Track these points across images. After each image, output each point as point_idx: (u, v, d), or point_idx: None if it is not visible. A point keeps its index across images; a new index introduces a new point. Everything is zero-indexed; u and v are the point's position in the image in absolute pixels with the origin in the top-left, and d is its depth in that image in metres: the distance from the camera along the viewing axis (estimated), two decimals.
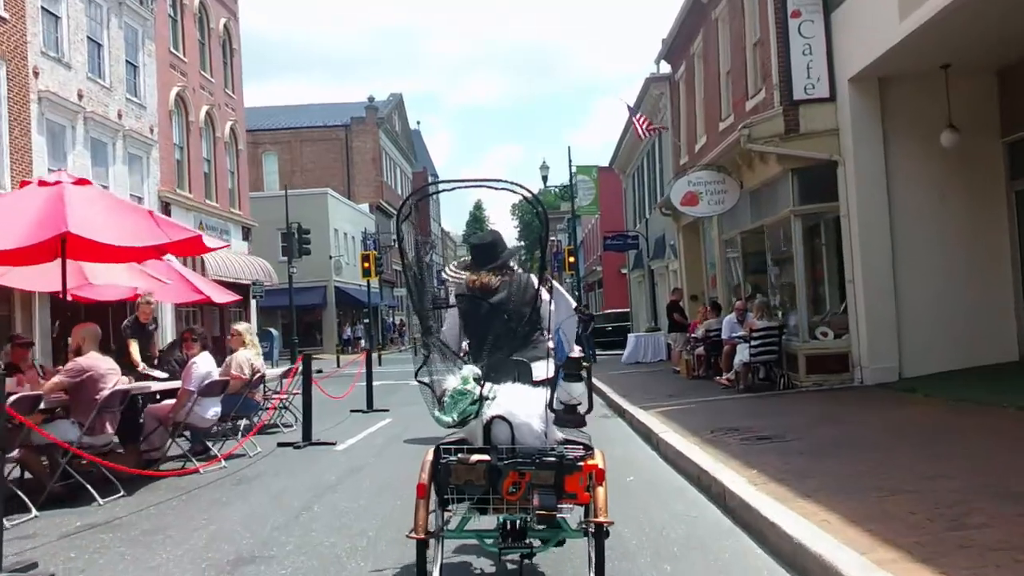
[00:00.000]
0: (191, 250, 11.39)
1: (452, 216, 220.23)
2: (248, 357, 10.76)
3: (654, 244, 26.61)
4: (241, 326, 11.26)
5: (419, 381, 4.38)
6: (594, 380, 18.65)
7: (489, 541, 4.54)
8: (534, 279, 4.77)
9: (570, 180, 30.96)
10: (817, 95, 13.67)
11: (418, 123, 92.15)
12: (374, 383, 22.86)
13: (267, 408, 13.05)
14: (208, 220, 29.60)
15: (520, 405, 4.18)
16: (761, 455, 7.89)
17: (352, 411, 16.07)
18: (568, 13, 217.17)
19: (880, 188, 13.25)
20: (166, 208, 26.63)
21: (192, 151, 28.70)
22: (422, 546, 4.06)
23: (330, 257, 45.82)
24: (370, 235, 51.15)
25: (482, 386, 4.12)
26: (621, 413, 13.63)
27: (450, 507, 4.38)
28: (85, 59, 22.59)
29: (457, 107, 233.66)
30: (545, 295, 4.72)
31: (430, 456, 4.20)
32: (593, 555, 4.13)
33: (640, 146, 29.50)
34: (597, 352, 27.68)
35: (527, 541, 4.38)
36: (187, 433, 9.64)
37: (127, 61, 24.87)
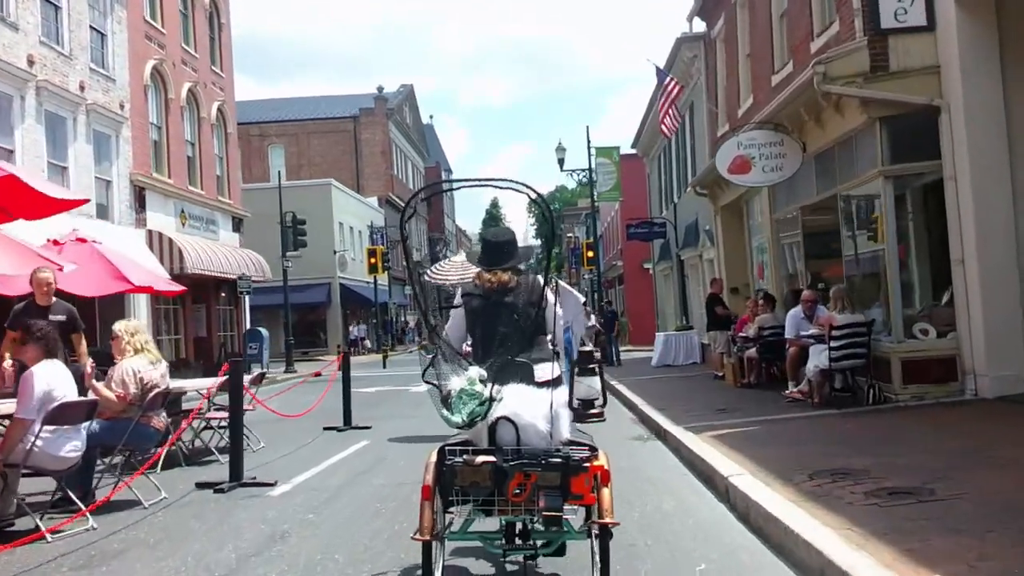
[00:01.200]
0: (32, 208, 8.26)
1: (467, 214, 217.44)
2: (136, 368, 7.63)
3: (684, 231, 23.40)
4: (121, 325, 8.09)
5: (426, 381, 4.30)
6: (621, 387, 15.43)
7: (493, 543, 4.43)
8: (539, 279, 4.70)
9: (589, 163, 27.82)
10: (911, 23, 10.44)
11: (431, 117, 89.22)
12: (371, 389, 19.91)
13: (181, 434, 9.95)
14: (192, 208, 26.62)
15: (525, 406, 4.12)
16: (921, 532, 4.71)
17: (326, 429, 13.00)
18: (582, 10, 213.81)
19: (998, 140, 10.01)
20: (141, 194, 23.69)
21: (172, 132, 25.72)
22: (427, 548, 3.97)
23: (334, 252, 42.86)
24: (377, 229, 48.12)
25: (490, 387, 4.06)
26: (660, 434, 10.47)
27: (451, 509, 4.25)
28: (38, 21, 19.61)
29: (471, 105, 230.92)
30: (551, 297, 4.60)
31: (434, 458, 4.12)
32: (598, 556, 4.05)
33: None
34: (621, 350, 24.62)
35: (531, 542, 4.29)
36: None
37: (92, 27, 21.88)
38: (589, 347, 4.98)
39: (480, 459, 4.01)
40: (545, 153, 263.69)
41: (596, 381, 4.83)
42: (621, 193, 27.90)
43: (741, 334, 14.71)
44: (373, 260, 41.99)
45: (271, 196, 34.37)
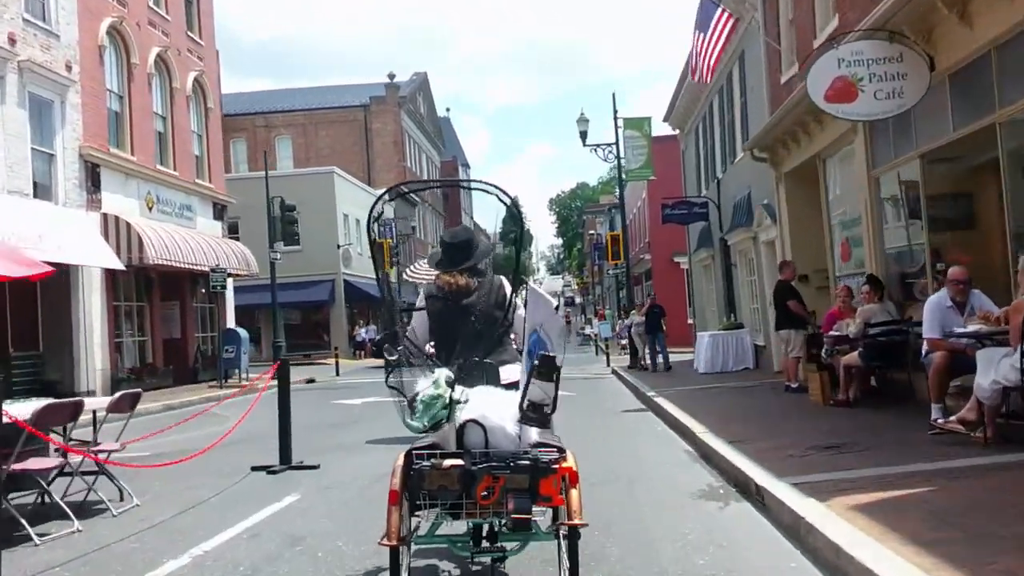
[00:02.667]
0: None
1: (487, 211, 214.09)
2: None
3: (732, 211, 19.44)
4: None
5: (390, 387, 4.26)
6: (666, 403, 12.48)
7: (460, 546, 4.41)
8: (505, 282, 4.68)
9: (616, 136, 23.91)
10: None
11: (447, 111, 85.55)
12: (358, 401, 16.09)
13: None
14: (160, 191, 22.98)
15: (493, 408, 4.03)
16: None
17: (255, 469, 9.26)
18: (599, 9, 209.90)
19: None
20: (94, 171, 20.08)
21: (137, 103, 22.11)
22: (395, 553, 3.90)
23: (338, 246, 39.16)
24: (386, 221, 44.36)
25: (452, 390, 3.95)
26: (746, 488, 6.59)
27: (418, 512, 4.08)
28: None
29: (491, 106, 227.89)
30: (518, 300, 4.59)
31: (401, 461, 3.99)
32: (567, 557, 3.94)
33: (707, 88, 22.32)
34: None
35: (498, 545, 4.25)
36: None
37: None
38: (552, 352, 3.96)
39: (448, 462, 3.90)
40: (564, 152, 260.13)
41: (549, 386, 3.98)
42: (653, 171, 24.01)
43: (833, 332, 10.77)
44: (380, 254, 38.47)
45: (271, 187, 30.63)
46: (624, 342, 28.89)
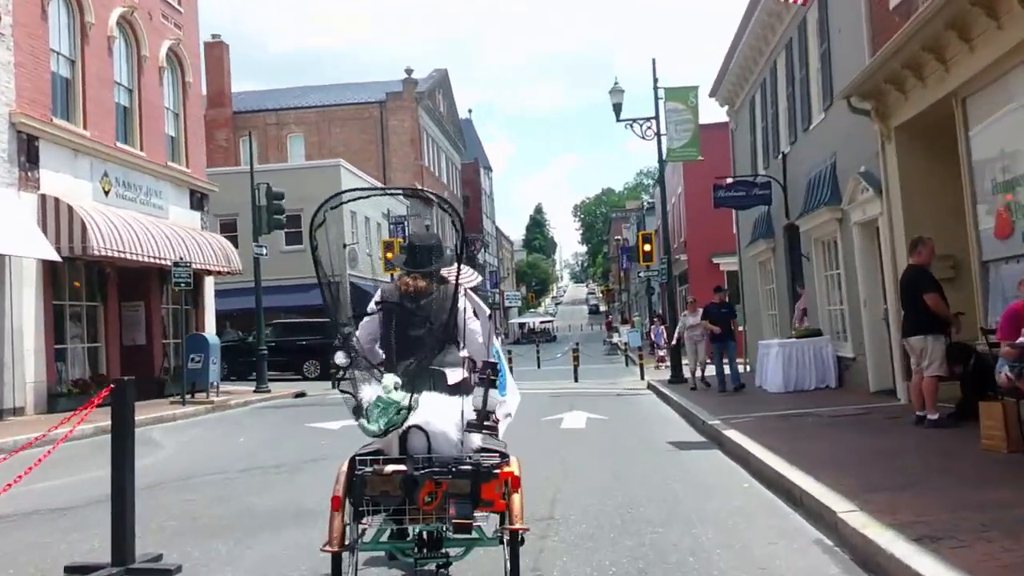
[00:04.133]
0: None
1: (509, 215, 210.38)
2: None
3: (806, 189, 15.42)
4: None
5: (341, 391, 4.19)
6: (738, 437, 9.54)
7: (405, 552, 4.31)
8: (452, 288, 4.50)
9: (655, 110, 20.01)
10: None
11: (469, 111, 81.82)
12: (336, 425, 12.86)
13: None
14: (121, 173, 19.37)
15: (437, 414, 4.00)
16: None
17: (71, 571, 5.43)
18: (625, 21, 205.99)
19: None
20: (31, 144, 16.50)
21: (92, 69, 18.51)
22: (337, 559, 3.83)
23: (344, 245, 35.46)
24: (397, 218, 40.71)
25: (410, 395, 3.92)
26: None
27: (365, 519, 4.04)
28: None
29: (516, 115, 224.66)
30: (465, 304, 4.49)
31: (345, 467, 4.00)
32: (509, 562, 3.98)
33: (765, 50, 18.41)
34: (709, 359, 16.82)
35: (443, 551, 4.17)
36: None
37: None
38: (493, 360, 4.18)
39: (390, 468, 3.90)
40: (590, 162, 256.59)
41: (493, 394, 4.03)
42: (700, 151, 20.10)
43: (1020, 341, 6.85)
44: (390, 255, 34.67)
45: (273, 182, 26.88)
46: (663, 353, 24.88)
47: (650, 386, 20.49)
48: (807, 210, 15.10)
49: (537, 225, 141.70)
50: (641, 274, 39.60)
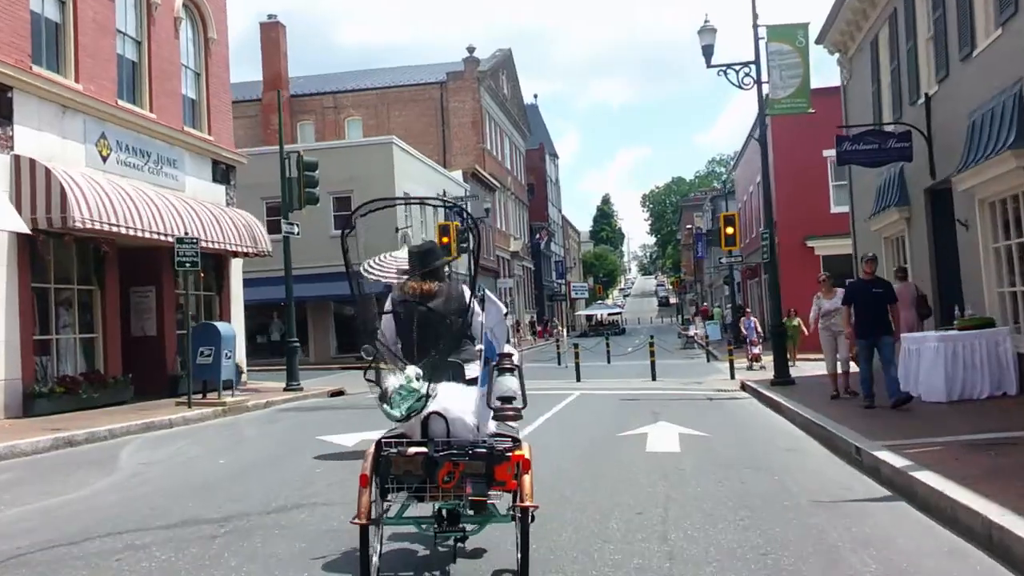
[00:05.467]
0: None
1: (575, 208, 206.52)
2: None
3: (969, 136, 11.44)
4: None
5: (367, 380, 4.63)
6: (972, 502, 3.24)
7: (425, 527, 4.62)
8: (466, 289, 4.92)
9: (755, 53, 16.23)
10: None
11: (535, 97, 78.23)
12: (351, 440, 10.40)
13: None
14: (122, 135, 16.42)
15: (455, 402, 4.31)
16: None
17: None
18: (696, 9, 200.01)
19: None
20: (1, 95, 13.62)
21: (86, 13, 15.55)
22: (364, 531, 4.07)
23: (396, 229, 32.32)
24: (454, 199, 37.40)
25: (427, 384, 4.24)
26: None
27: (389, 497, 4.38)
28: None
29: (584, 109, 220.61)
30: (476, 304, 4.86)
31: (372, 449, 4.27)
32: (519, 537, 4.26)
33: None
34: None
35: (460, 526, 4.49)
36: None
37: None
38: (508, 349, 4.45)
39: (413, 450, 4.19)
40: (658, 155, 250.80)
41: (514, 381, 4.31)
42: (810, 102, 16.25)
43: None
44: (446, 239, 31.42)
45: (325, 161, 23.83)
46: (756, 351, 21.03)
47: (745, 387, 16.81)
48: (971, 161, 11.16)
49: (604, 216, 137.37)
50: (722, 260, 35.62)
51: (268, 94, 45.71)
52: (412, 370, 4.32)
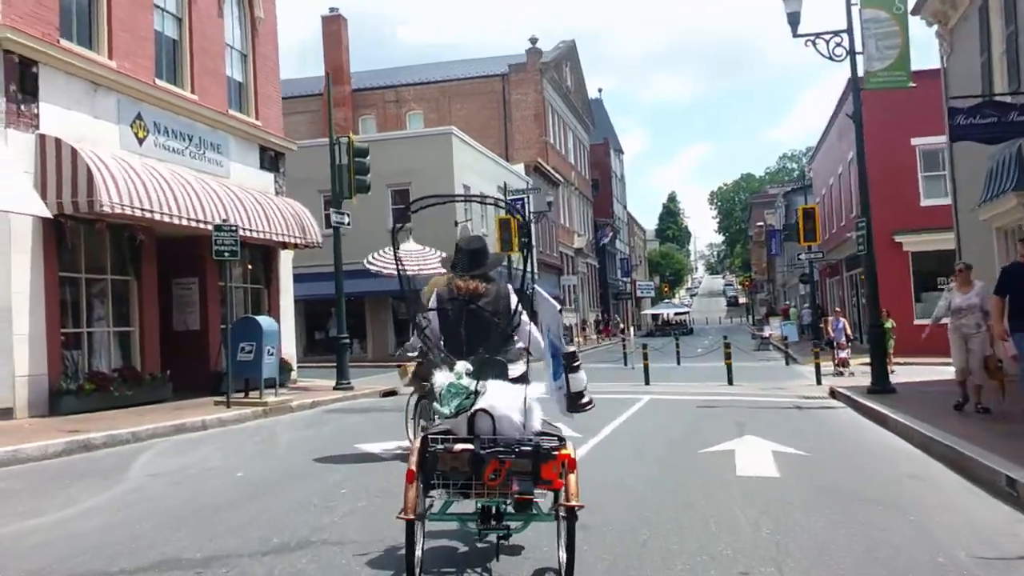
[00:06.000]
0: None
1: (639, 205, 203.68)
2: None
3: None
4: None
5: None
6: None
7: (468, 524, 4.54)
8: (511, 291, 4.86)
9: (847, 20, 14.43)
10: None
11: (600, 91, 76.34)
12: (380, 451, 8.69)
13: None
14: (160, 116, 15.41)
15: (501, 399, 4.28)
16: None
17: None
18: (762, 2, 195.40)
19: None
20: (27, 70, 12.66)
21: None
22: (411, 526, 4.05)
23: (455, 223, 31.07)
24: (515, 192, 36.01)
25: (476, 382, 4.24)
26: None
27: (431, 493, 4.33)
28: None
29: (647, 106, 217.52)
30: (521, 306, 4.80)
31: (418, 444, 4.23)
32: (565, 536, 4.14)
33: None
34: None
35: (504, 524, 4.42)
36: None
37: None
38: (572, 348, 4.52)
39: (459, 447, 4.15)
40: (725, 151, 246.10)
41: (583, 376, 4.47)
42: (910, 75, 14.42)
43: None
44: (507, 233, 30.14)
45: (378, 152, 22.77)
46: (844, 354, 19.11)
47: (835, 394, 15.03)
48: None
49: (670, 214, 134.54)
50: (801, 256, 33.53)
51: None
52: (462, 366, 4.31)
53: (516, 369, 4.70)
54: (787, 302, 50.24)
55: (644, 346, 20.38)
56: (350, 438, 10.66)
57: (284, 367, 17.97)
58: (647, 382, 18.48)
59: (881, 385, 13.85)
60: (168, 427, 11.62)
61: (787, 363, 26.06)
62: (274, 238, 17.21)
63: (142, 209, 13.26)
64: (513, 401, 4.27)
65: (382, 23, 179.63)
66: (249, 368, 14.78)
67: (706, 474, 7.50)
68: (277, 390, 15.65)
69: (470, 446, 4.12)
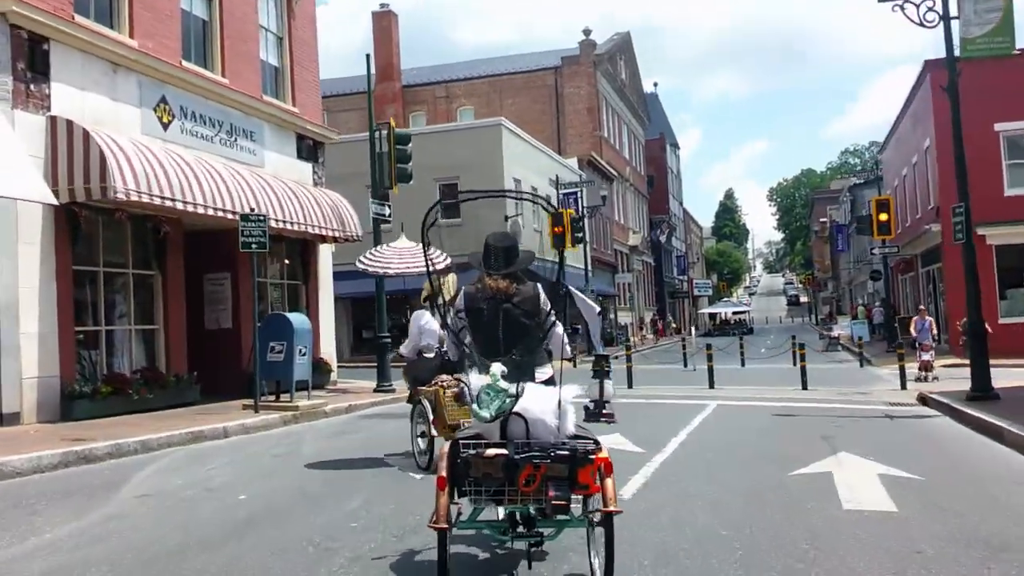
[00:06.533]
0: None
1: (696, 203, 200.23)
2: None
3: None
4: None
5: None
6: None
7: (498, 532, 4.40)
8: (541, 292, 4.67)
9: None
10: None
11: (655, 85, 74.34)
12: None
13: None
14: (187, 100, 14.34)
15: (534, 402, 4.11)
16: None
17: None
18: None
19: None
20: (37, 47, 11.64)
21: None
22: (443, 535, 3.87)
23: (506, 218, 29.71)
24: (568, 185, 34.52)
25: (516, 385, 4.07)
26: None
27: (456, 500, 4.08)
28: None
29: (703, 102, 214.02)
30: (550, 306, 4.64)
31: (447, 450, 4.04)
32: (603, 541, 3.96)
33: None
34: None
35: (536, 530, 4.23)
36: None
37: None
38: (605, 352, 4.70)
39: (492, 451, 3.97)
40: (782, 147, 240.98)
41: (609, 384, 4.50)
42: (1014, 40, 12.65)
43: None
44: (559, 229, 28.64)
45: (422, 146, 21.55)
46: (928, 357, 17.24)
47: (927, 401, 13.33)
48: None
49: (727, 212, 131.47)
50: (874, 251, 31.45)
51: (381, 85, 44.01)
52: (497, 368, 4.12)
53: (543, 373, 4.52)
54: (858, 300, 47.80)
55: (708, 346, 18.77)
56: (382, 446, 9.46)
57: (322, 368, 16.84)
58: (711, 385, 16.88)
59: (983, 390, 12.11)
60: (184, 435, 10.47)
61: (861, 365, 24.12)
62: (310, 230, 16.07)
63: (161, 197, 12.17)
64: (547, 404, 4.08)
65: (433, 22, 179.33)
66: (279, 369, 13.63)
67: (805, 508, 5.97)
68: (310, 393, 14.48)
69: (503, 451, 3.93)
